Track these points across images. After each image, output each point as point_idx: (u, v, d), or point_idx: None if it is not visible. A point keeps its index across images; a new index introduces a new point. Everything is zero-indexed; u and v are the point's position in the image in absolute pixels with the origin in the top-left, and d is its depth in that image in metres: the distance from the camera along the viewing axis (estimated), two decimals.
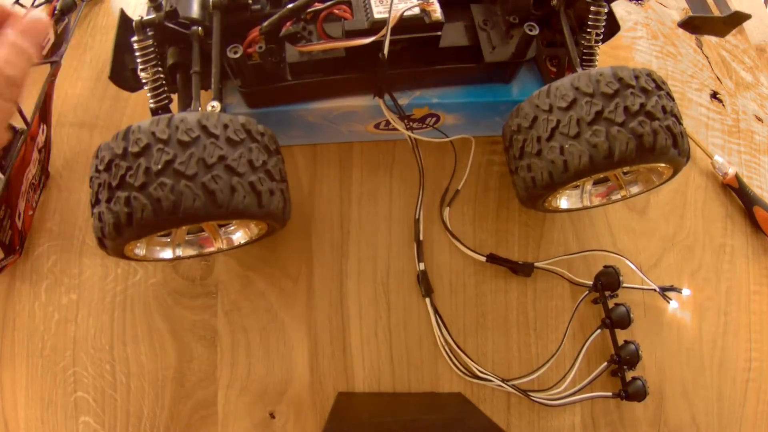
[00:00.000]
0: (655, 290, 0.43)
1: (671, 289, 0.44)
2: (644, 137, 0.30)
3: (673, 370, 0.42)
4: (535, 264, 0.43)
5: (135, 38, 0.34)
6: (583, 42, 0.38)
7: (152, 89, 0.36)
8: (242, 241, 0.40)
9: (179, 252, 0.39)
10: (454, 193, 0.46)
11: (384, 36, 0.34)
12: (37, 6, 0.44)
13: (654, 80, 0.32)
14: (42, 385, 0.40)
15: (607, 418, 0.41)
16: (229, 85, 0.39)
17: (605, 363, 0.41)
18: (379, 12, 0.35)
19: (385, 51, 0.34)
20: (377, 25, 0.35)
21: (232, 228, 0.40)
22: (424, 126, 0.45)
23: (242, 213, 0.29)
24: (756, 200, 0.46)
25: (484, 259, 0.43)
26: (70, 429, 0.39)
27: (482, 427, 0.37)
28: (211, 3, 0.36)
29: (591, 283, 0.43)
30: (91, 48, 0.52)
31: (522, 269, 0.43)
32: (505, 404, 0.41)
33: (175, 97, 0.38)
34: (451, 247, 0.44)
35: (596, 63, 0.39)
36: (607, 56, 0.53)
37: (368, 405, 0.40)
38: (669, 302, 0.43)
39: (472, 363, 0.41)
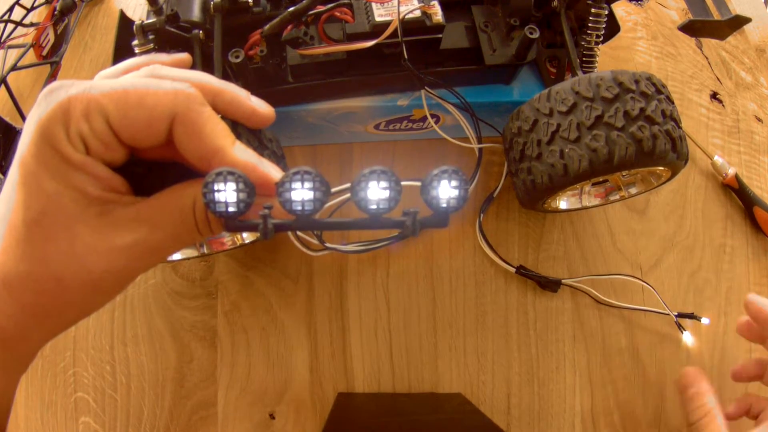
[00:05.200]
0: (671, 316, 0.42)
1: (690, 316, 0.43)
2: (643, 142, 0.30)
3: (674, 370, 0.42)
4: (563, 281, 0.43)
5: (135, 42, 0.34)
6: (583, 43, 0.38)
7: None
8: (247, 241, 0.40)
9: (178, 254, 0.39)
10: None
11: (386, 39, 0.34)
12: (37, 6, 0.44)
13: (654, 84, 0.32)
14: (42, 386, 0.40)
15: (607, 418, 0.41)
16: None
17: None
18: (380, 15, 0.35)
19: (405, 53, 0.35)
20: (378, 28, 0.35)
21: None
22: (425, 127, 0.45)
23: None
24: (756, 200, 0.46)
25: (513, 270, 0.43)
26: (70, 429, 0.39)
27: (482, 427, 0.37)
28: (212, 6, 0.36)
29: (615, 301, 0.43)
30: (91, 48, 0.52)
31: (550, 285, 0.43)
32: (505, 404, 0.41)
33: None
34: (450, 246, 0.44)
35: (596, 64, 0.39)
36: (607, 56, 0.53)
37: (368, 405, 0.40)
38: (683, 332, 0.42)
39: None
